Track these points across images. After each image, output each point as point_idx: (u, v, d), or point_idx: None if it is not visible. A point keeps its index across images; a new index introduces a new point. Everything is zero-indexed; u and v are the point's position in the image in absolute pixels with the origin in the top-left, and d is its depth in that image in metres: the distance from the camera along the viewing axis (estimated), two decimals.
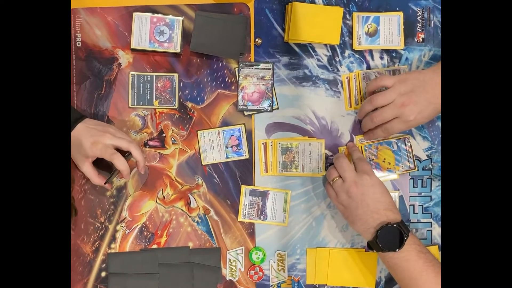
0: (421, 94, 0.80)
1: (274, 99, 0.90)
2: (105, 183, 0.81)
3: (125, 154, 0.80)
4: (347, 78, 0.90)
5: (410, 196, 0.91)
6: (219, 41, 0.86)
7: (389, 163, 0.90)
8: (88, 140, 0.78)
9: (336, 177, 0.83)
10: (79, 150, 0.78)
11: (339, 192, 0.82)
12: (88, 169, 0.80)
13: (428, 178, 0.92)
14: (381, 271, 0.91)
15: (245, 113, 0.89)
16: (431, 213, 0.92)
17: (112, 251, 0.87)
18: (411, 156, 0.90)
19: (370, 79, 0.90)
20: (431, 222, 0.92)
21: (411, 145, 0.90)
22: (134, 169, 0.86)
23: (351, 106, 0.91)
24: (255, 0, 0.89)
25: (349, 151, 0.88)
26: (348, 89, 0.90)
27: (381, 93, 0.83)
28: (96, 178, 0.81)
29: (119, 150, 0.80)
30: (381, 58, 0.91)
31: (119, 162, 0.78)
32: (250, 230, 0.89)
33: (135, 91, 0.87)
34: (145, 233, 0.88)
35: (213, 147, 0.89)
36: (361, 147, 0.90)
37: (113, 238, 0.87)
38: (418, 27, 0.91)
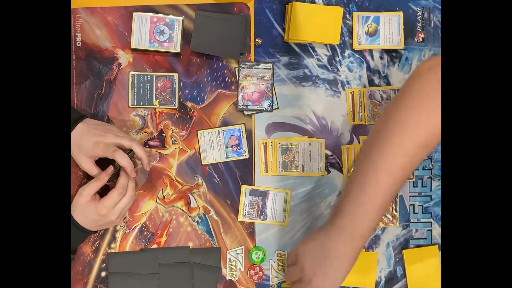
0: (328, 262, 0.71)
1: (274, 99, 0.90)
2: (108, 182, 0.81)
3: (127, 153, 0.80)
4: (351, 92, 0.90)
5: (410, 196, 0.91)
6: (219, 41, 0.86)
7: None
8: (90, 140, 0.78)
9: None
10: (81, 150, 0.78)
11: None
12: (91, 169, 0.80)
13: (428, 178, 0.92)
14: (381, 271, 0.91)
15: (245, 113, 0.89)
16: (431, 213, 0.92)
17: (112, 251, 0.87)
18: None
19: (375, 97, 0.90)
20: (431, 222, 0.92)
21: None
22: (135, 168, 0.86)
23: (354, 121, 0.90)
24: (255, 0, 0.89)
25: None
26: (352, 105, 0.90)
27: (288, 271, 0.77)
28: (99, 176, 0.81)
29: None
30: (381, 58, 0.91)
31: (122, 158, 0.78)
32: (250, 230, 0.89)
33: (135, 91, 0.87)
34: (145, 233, 0.88)
35: (213, 147, 0.89)
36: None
37: (113, 238, 0.87)
38: (418, 27, 0.91)
